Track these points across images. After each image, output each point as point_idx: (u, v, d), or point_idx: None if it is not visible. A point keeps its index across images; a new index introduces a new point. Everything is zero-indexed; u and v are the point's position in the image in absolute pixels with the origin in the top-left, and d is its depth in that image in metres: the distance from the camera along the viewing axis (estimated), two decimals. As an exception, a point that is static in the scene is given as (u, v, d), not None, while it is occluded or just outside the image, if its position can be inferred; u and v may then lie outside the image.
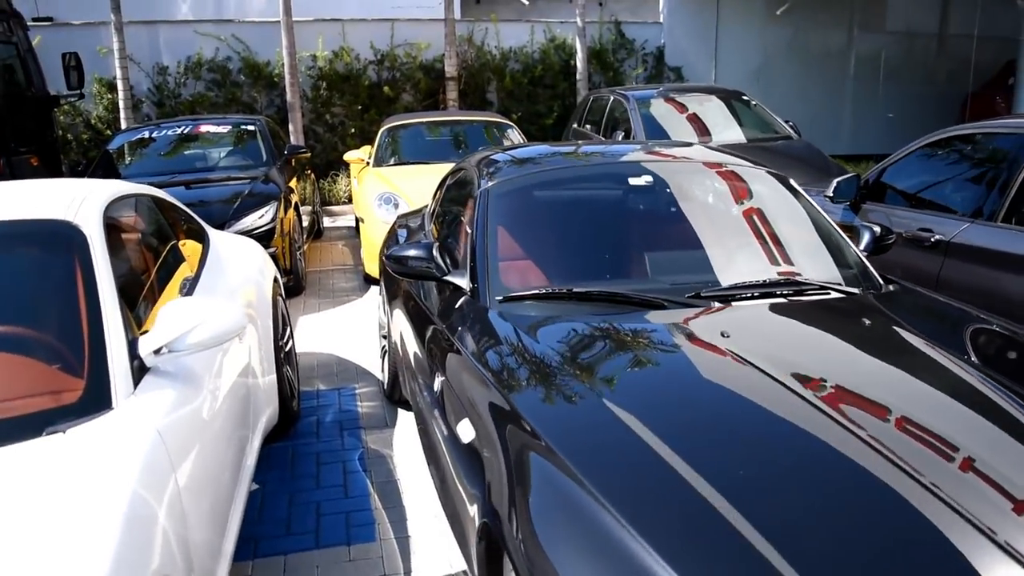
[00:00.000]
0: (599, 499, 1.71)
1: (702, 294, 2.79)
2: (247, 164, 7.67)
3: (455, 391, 2.58)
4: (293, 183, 7.70)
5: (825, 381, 2.24)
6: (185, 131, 7.99)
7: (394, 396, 4.57)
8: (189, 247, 3.77)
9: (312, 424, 4.45)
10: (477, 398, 2.39)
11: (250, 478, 3.17)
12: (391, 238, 4.98)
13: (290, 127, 11.30)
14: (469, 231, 3.27)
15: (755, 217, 3.32)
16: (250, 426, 3.38)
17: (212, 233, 4.25)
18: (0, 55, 8.48)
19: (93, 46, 11.45)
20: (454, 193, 4.15)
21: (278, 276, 4.65)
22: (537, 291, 2.86)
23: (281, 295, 4.62)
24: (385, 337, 4.79)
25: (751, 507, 1.64)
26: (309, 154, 8.24)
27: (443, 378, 2.72)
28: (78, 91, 9.41)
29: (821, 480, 1.81)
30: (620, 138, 8.51)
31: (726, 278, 2.91)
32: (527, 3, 15.46)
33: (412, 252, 3.15)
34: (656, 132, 8.62)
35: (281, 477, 3.88)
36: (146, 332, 2.49)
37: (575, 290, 2.81)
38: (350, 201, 11.40)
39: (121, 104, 11.00)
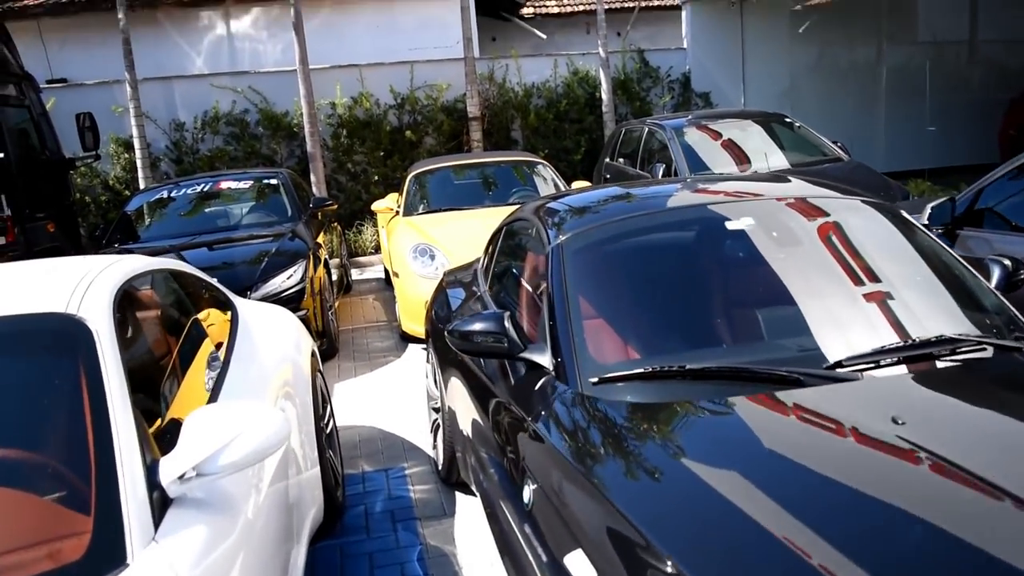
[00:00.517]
0: None
1: (844, 363, 2.27)
2: (271, 220, 7.25)
3: (554, 507, 2.06)
4: (321, 238, 7.27)
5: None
6: (205, 188, 7.59)
7: (451, 478, 4.06)
8: (215, 324, 3.31)
9: (360, 516, 3.94)
10: (590, 522, 1.88)
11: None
12: (440, 298, 4.48)
13: (312, 177, 10.93)
14: (543, 296, 2.78)
15: (878, 259, 2.80)
16: (295, 536, 2.88)
17: (240, 304, 3.78)
18: (13, 119, 8.17)
19: (108, 105, 11.20)
20: (513, 248, 3.67)
21: (315, 348, 4.17)
22: (642, 370, 2.34)
23: (320, 370, 4.14)
24: (436, 410, 4.28)
25: None
26: (336, 206, 7.83)
27: (534, 486, 2.21)
28: (94, 152, 9.09)
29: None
30: (660, 172, 8.03)
31: (864, 339, 2.39)
32: (544, 37, 15.13)
33: (480, 326, 2.65)
34: (696, 162, 8.14)
35: (331, 585, 3.37)
36: (166, 449, 2.00)
37: (689, 367, 2.29)
38: (377, 251, 10.98)
39: (139, 163, 10.69)
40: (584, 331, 2.52)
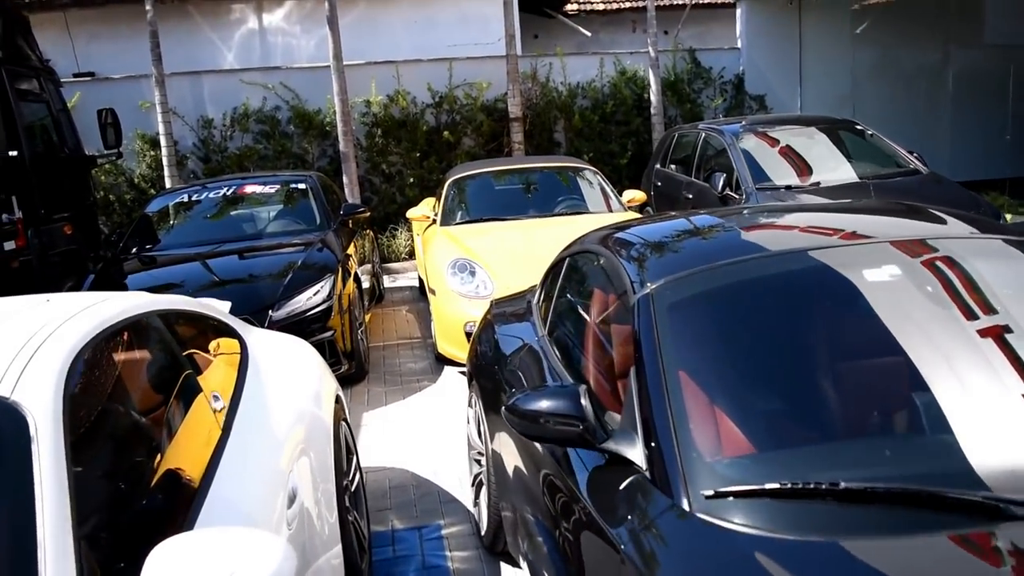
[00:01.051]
0: None
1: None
2: (299, 228, 6.70)
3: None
4: (351, 249, 6.70)
5: None
6: (229, 192, 7.06)
7: (496, 547, 3.46)
8: (217, 375, 2.73)
9: (390, 591, 3.36)
10: None
11: None
12: (486, 335, 3.87)
13: (344, 178, 10.40)
14: (628, 362, 2.16)
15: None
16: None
17: (252, 343, 3.21)
18: (29, 114, 7.69)
19: (135, 100, 10.75)
20: (578, 288, 3.06)
21: (340, 393, 3.59)
22: (778, 485, 1.71)
23: (345, 418, 3.56)
24: (479, 462, 3.69)
25: None
26: (368, 213, 7.28)
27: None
28: (116, 149, 8.59)
29: None
30: (720, 181, 7.37)
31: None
32: (588, 35, 14.49)
33: (549, 405, 2.04)
34: (757, 172, 7.46)
35: None
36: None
37: (850, 486, 1.65)
38: (411, 256, 10.42)
39: (165, 161, 10.23)
40: (690, 419, 1.90)
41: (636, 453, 1.93)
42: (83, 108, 9.92)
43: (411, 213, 7.80)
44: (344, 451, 3.39)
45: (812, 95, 12.52)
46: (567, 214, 7.14)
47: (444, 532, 3.82)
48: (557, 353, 2.91)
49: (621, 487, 1.94)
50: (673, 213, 3.85)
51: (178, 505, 1.94)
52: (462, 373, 6.11)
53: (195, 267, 5.99)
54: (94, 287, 5.98)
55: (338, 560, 2.97)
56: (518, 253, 6.25)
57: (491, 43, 11.52)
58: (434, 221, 7.37)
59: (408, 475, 4.48)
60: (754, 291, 2.29)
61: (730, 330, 2.20)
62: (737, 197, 7.26)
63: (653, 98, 11.30)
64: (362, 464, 4.50)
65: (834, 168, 7.63)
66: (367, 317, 7.30)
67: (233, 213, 6.96)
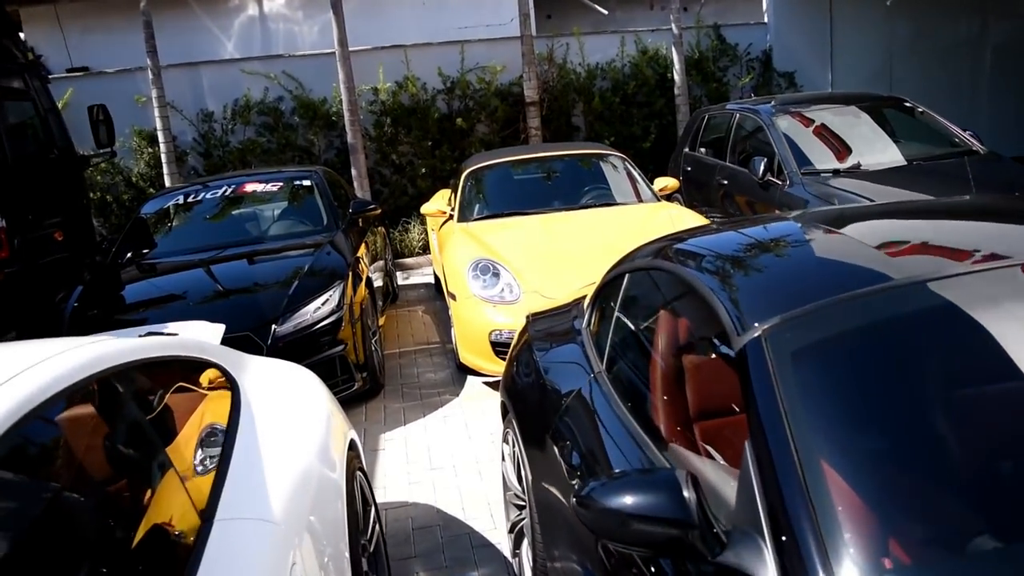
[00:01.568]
0: None
1: None
2: (304, 230, 6.15)
3: None
4: (362, 250, 6.14)
5: None
6: (228, 192, 6.51)
7: (543, 613, 2.92)
8: (200, 436, 2.19)
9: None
10: None
11: None
12: (524, 358, 3.29)
13: (352, 171, 9.85)
14: (739, 436, 1.60)
15: None
16: None
17: (247, 384, 2.66)
18: (13, 114, 7.18)
19: (131, 95, 10.23)
20: (643, 317, 2.50)
21: (355, 437, 3.04)
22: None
23: (361, 468, 3.01)
24: (518, 506, 3.14)
25: None
26: (379, 211, 6.73)
27: None
28: (109, 148, 8.05)
29: None
30: (761, 167, 6.77)
31: None
32: (605, 13, 13.84)
33: (638, 501, 1.48)
34: (799, 156, 6.85)
35: None
36: None
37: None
38: (425, 251, 9.87)
39: (163, 158, 9.71)
40: (842, 522, 1.34)
41: (766, 569, 1.37)
42: (77, 105, 9.39)
43: (425, 208, 7.24)
44: (360, 505, 2.85)
45: (844, 71, 11.85)
46: (595, 206, 6.57)
47: (479, 590, 3.28)
48: (623, 404, 2.33)
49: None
50: (743, 218, 3.24)
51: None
52: (487, 384, 5.57)
53: (191, 277, 5.45)
54: (83, 300, 5.46)
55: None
56: (545, 251, 5.69)
57: (504, 24, 10.91)
58: (450, 217, 6.81)
59: (433, 512, 3.94)
60: (903, 333, 1.71)
61: (883, 388, 1.63)
62: (779, 183, 6.66)
63: (677, 77, 10.68)
64: (381, 499, 3.97)
65: (882, 150, 7.02)
66: (381, 320, 6.77)
67: (232, 214, 6.41)
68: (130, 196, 10.25)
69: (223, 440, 2.22)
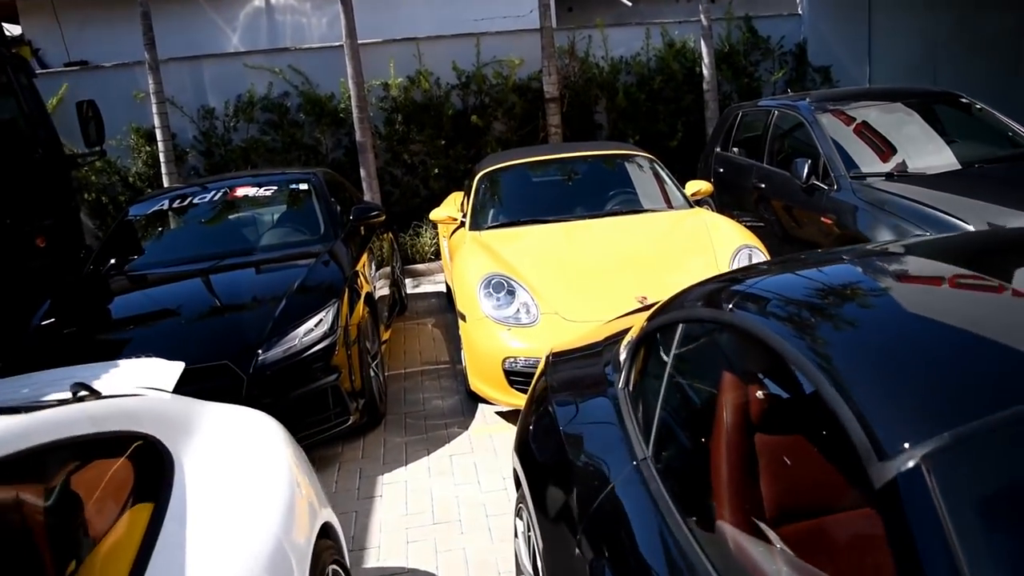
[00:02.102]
0: None
1: None
2: (299, 239, 5.56)
3: None
4: (363, 261, 5.55)
5: None
6: (216, 196, 5.93)
7: None
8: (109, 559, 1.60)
9: None
10: None
11: None
12: (542, 416, 2.67)
13: (361, 171, 9.26)
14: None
15: None
16: None
17: (189, 460, 2.07)
18: (-7, 111, 6.66)
19: (129, 90, 9.67)
20: (708, 392, 1.88)
21: (333, 521, 2.44)
22: None
23: (338, 559, 2.40)
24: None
25: None
26: (383, 217, 6.14)
27: None
28: (98, 147, 7.49)
29: None
30: (805, 169, 6.11)
31: None
32: (629, 4, 13.19)
33: None
34: (846, 158, 6.17)
35: None
36: None
37: None
38: (437, 256, 9.27)
39: (162, 156, 9.16)
40: None
41: None
42: (73, 101, 8.84)
43: (435, 214, 6.62)
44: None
45: (882, 66, 11.13)
46: (621, 213, 5.94)
47: None
48: (678, 514, 1.70)
49: None
50: (829, 253, 2.56)
51: None
52: (500, 415, 4.97)
53: (165, 294, 4.90)
54: (55, 315, 4.89)
55: None
56: (567, 266, 5.07)
57: (522, 16, 10.29)
58: (462, 224, 6.20)
59: (435, 583, 3.34)
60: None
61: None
62: (825, 187, 6.01)
63: (706, 72, 10.02)
64: (375, 563, 3.38)
65: (936, 151, 6.34)
66: (386, 335, 6.18)
67: (220, 222, 5.84)
68: (127, 197, 9.69)
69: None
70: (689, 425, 1.93)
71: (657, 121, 10.39)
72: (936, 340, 1.44)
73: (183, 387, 3.88)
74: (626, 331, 2.63)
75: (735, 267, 4.87)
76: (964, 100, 6.90)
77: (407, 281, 8.66)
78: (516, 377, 4.52)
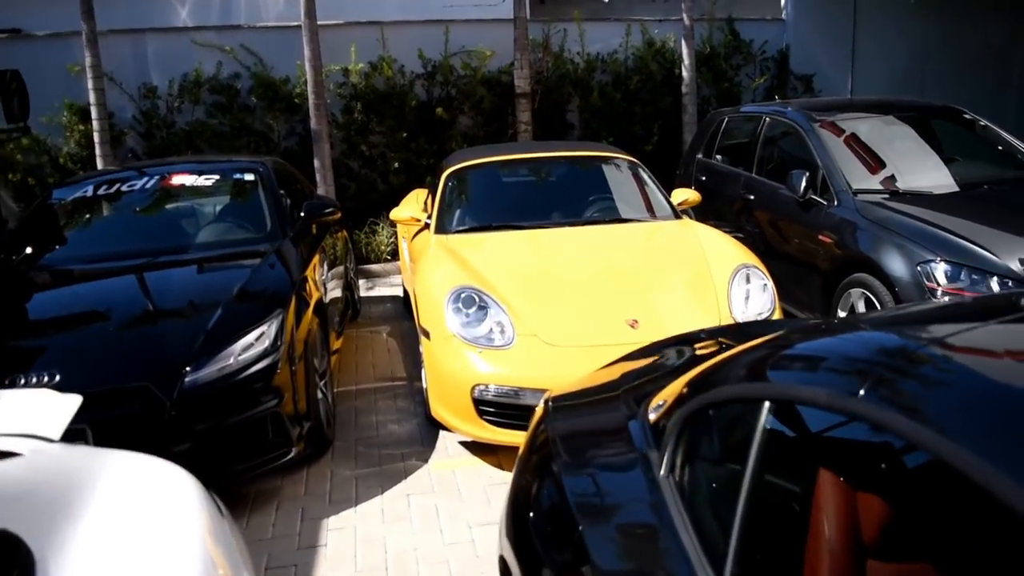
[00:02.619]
0: None
1: None
2: (241, 237, 4.89)
3: None
4: (314, 264, 4.90)
5: None
6: (150, 184, 5.23)
7: None
8: None
9: None
10: None
11: None
12: (545, 491, 2.08)
13: (316, 162, 8.58)
14: None
15: None
16: None
17: (54, 562, 1.45)
18: None
19: (64, 63, 8.84)
20: (791, 523, 1.31)
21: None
22: None
23: None
24: None
25: None
26: (339, 215, 5.50)
27: None
28: (20, 123, 6.72)
29: None
30: (803, 182, 5.61)
31: None
32: (605, 0, 12.65)
33: None
34: (848, 173, 5.68)
35: None
36: None
37: None
38: (394, 257, 8.65)
39: (96, 137, 8.39)
40: None
41: None
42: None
43: (396, 214, 5.99)
44: None
45: (866, 77, 10.75)
46: (603, 221, 5.37)
47: None
48: None
49: None
50: (909, 312, 1.99)
51: None
52: (464, 446, 4.37)
53: (78, 296, 4.21)
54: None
55: None
56: (546, 281, 4.50)
57: (494, 4, 9.68)
58: (426, 226, 5.58)
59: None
60: None
61: None
62: (823, 202, 5.52)
63: (686, 74, 9.52)
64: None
65: (938, 168, 5.90)
66: (338, 343, 5.55)
67: (152, 213, 5.13)
68: (56, 179, 8.87)
69: None
70: (775, 545, 1.37)
71: (633, 123, 9.86)
72: None
73: (93, 413, 3.23)
74: (647, 377, 2.06)
75: (734, 290, 4.34)
76: (967, 116, 6.49)
77: (360, 282, 8.01)
78: (487, 407, 3.93)
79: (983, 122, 6.40)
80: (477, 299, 4.21)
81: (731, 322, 4.12)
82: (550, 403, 2.40)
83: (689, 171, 7.93)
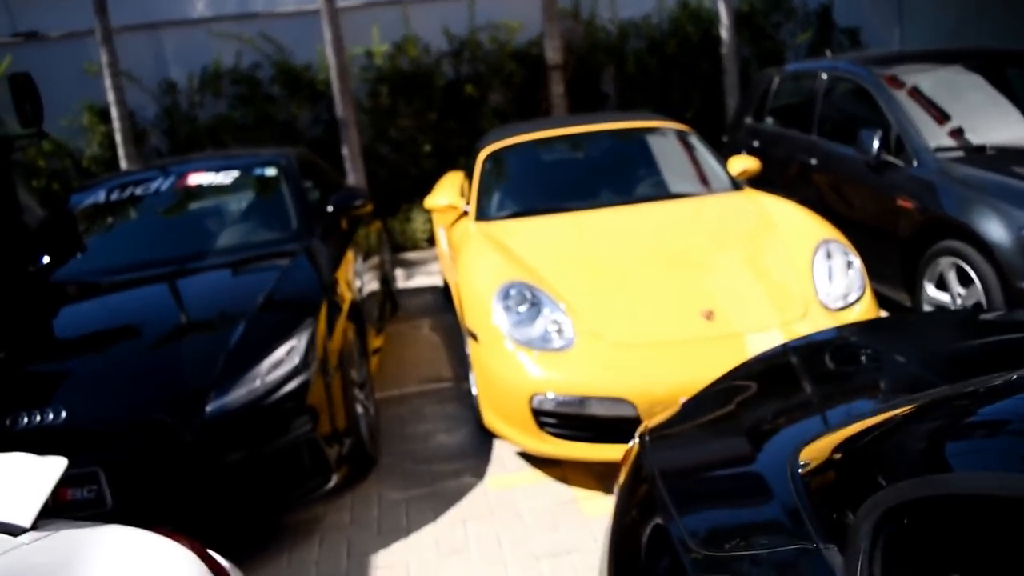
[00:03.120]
0: None
1: None
2: (265, 239, 4.50)
3: None
4: (346, 263, 4.51)
5: None
6: (164, 187, 4.86)
7: None
8: None
9: None
10: None
11: None
12: (655, 543, 1.67)
13: (343, 150, 8.21)
14: None
15: None
16: None
17: None
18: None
19: (81, 63, 8.54)
20: None
21: None
22: None
23: None
24: None
25: None
26: (370, 207, 5.09)
27: None
28: (35, 128, 6.39)
29: None
30: (875, 143, 5.10)
31: None
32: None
33: None
34: (926, 131, 5.14)
35: None
36: None
37: None
38: (431, 244, 8.25)
39: (118, 137, 8.09)
40: None
41: None
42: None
43: (430, 202, 5.58)
44: None
45: (915, 29, 10.08)
46: (659, 198, 4.91)
47: None
48: None
49: None
50: None
51: None
52: (523, 457, 3.97)
53: (87, 313, 3.87)
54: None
55: None
56: (602, 269, 4.06)
57: (520, -26, 9.17)
58: (464, 213, 5.16)
59: None
60: None
61: None
62: (900, 163, 5.01)
63: (725, 34, 8.96)
64: None
65: (1019, 120, 5.35)
66: (379, 342, 5.18)
67: (167, 217, 4.77)
68: (81, 184, 8.60)
69: None
70: None
71: (670, 90, 9.33)
72: None
73: (104, 452, 2.88)
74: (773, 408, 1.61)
75: (817, 269, 3.87)
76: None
77: (397, 272, 7.63)
78: (548, 418, 3.51)
79: (1069, 66, 5.81)
80: (528, 295, 3.79)
81: (817, 307, 3.65)
82: (646, 438, 1.96)
83: (737, 137, 7.42)
